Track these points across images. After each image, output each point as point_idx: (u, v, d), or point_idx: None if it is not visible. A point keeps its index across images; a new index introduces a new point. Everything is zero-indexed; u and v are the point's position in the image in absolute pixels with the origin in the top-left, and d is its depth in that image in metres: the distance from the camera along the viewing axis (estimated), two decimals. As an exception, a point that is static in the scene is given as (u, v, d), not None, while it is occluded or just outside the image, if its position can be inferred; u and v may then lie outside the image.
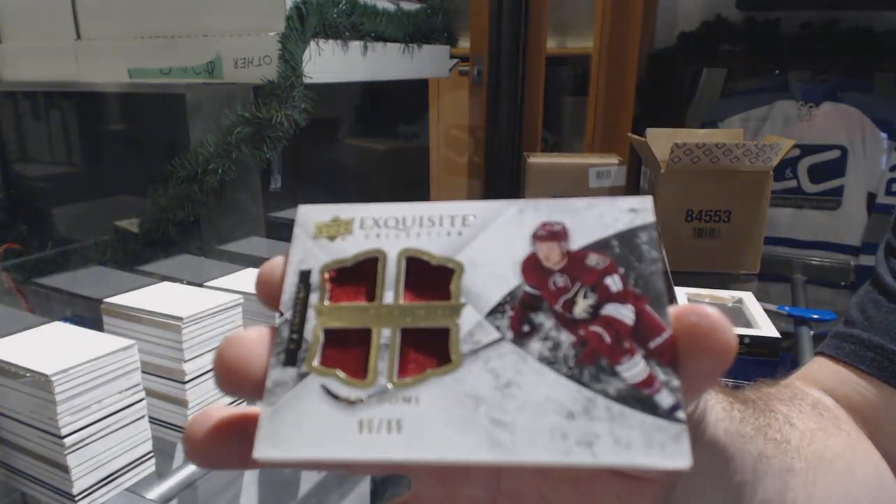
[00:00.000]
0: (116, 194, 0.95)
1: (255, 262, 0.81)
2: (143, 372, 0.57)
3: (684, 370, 0.17)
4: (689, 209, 1.10)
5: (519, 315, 0.18)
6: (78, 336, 0.58)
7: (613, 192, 1.19)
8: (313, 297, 0.20)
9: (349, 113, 1.15)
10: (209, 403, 0.64)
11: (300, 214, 0.21)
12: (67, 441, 0.51)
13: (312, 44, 0.80)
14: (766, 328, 0.82)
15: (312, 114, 0.79)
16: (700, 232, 1.11)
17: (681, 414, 0.17)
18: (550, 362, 0.18)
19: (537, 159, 1.20)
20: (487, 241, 0.19)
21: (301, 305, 0.20)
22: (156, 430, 0.60)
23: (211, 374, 0.63)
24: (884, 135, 1.34)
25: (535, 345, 0.18)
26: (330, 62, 0.85)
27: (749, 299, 0.91)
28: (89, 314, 0.65)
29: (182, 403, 0.62)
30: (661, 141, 1.11)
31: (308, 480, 0.90)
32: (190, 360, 0.61)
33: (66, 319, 0.61)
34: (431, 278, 0.19)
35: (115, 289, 0.66)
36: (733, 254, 1.11)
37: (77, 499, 0.53)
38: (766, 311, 0.87)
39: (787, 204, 1.41)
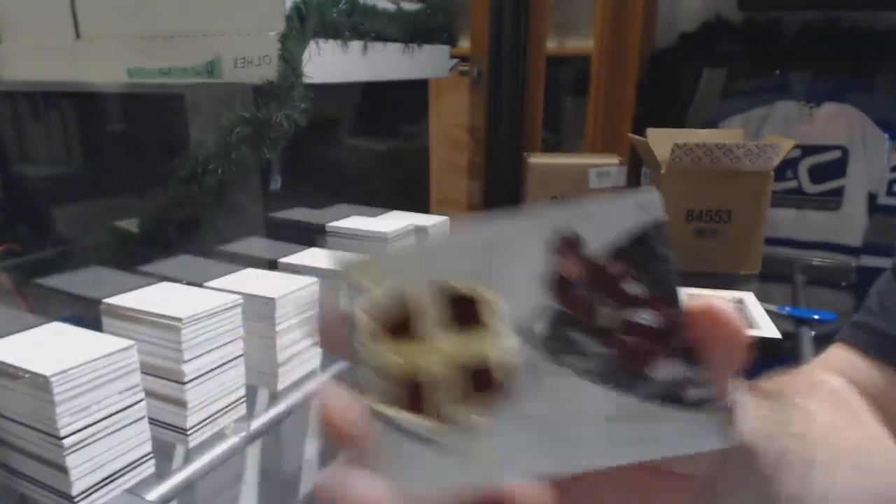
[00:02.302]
0: (116, 194, 0.95)
1: (254, 262, 0.80)
2: (142, 372, 0.57)
3: (706, 361, 0.19)
4: (689, 209, 1.10)
5: (552, 334, 0.19)
6: (77, 336, 0.57)
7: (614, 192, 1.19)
8: (367, 341, 0.20)
9: (349, 113, 1.15)
10: (208, 404, 0.64)
11: (334, 262, 0.22)
12: (67, 442, 0.51)
13: (312, 44, 0.80)
14: (767, 329, 0.82)
15: (312, 114, 0.79)
16: (701, 232, 1.11)
17: (713, 402, 0.18)
18: (589, 375, 0.19)
19: (538, 159, 1.20)
20: (509, 263, 0.20)
21: (359, 350, 0.20)
22: (155, 430, 0.60)
23: (210, 374, 0.63)
24: (885, 135, 1.34)
25: (572, 360, 0.19)
26: (330, 62, 0.85)
27: (750, 300, 0.91)
28: (88, 314, 0.64)
29: (181, 404, 0.61)
30: (661, 141, 1.11)
31: (307, 481, 0.90)
32: (189, 360, 0.61)
33: (64, 319, 0.61)
34: (465, 307, 0.20)
35: (114, 289, 0.65)
36: (734, 254, 1.11)
37: (76, 500, 0.53)
38: (767, 311, 0.87)
39: (788, 204, 1.41)
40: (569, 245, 0.20)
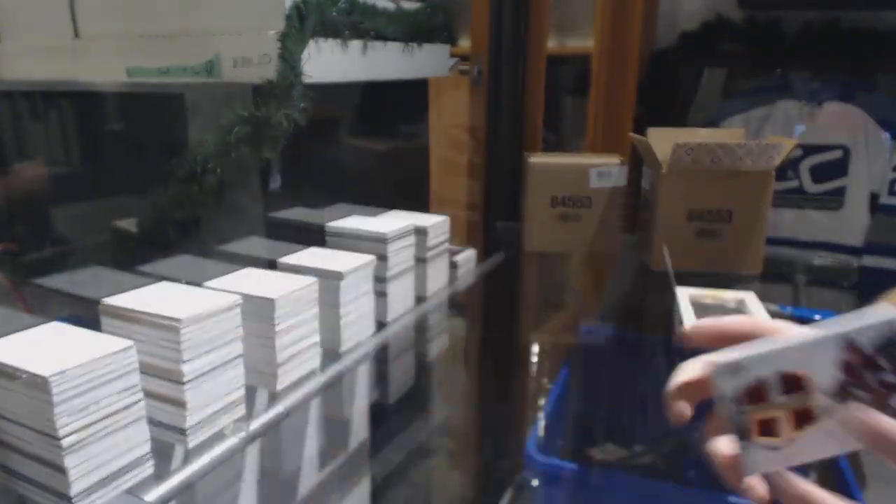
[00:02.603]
0: (115, 194, 0.95)
1: (254, 262, 0.80)
2: (141, 373, 0.57)
3: None
4: (690, 209, 1.10)
5: (839, 391, 0.37)
6: (76, 337, 0.57)
7: (615, 192, 1.19)
8: (735, 405, 0.39)
9: (349, 112, 1.15)
10: (207, 404, 0.63)
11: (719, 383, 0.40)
12: (65, 442, 0.51)
13: (312, 43, 0.80)
14: (768, 329, 0.81)
15: (312, 113, 0.79)
16: (702, 232, 1.10)
17: None
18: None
19: (538, 159, 1.20)
20: (815, 355, 0.37)
21: (731, 409, 0.40)
22: (154, 431, 0.60)
23: (209, 374, 0.63)
24: (887, 135, 1.33)
25: (850, 402, 0.37)
26: (329, 61, 0.85)
27: (751, 300, 0.90)
28: (87, 314, 0.64)
29: (180, 405, 0.61)
30: (662, 140, 1.11)
31: (307, 481, 0.90)
32: (188, 360, 0.61)
33: (63, 319, 0.60)
34: (791, 381, 0.38)
35: (113, 289, 0.65)
36: (735, 254, 1.11)
37: (75, 500, 0.53)
38: (769, 311, 0.87)
39: (789, 204, 1.41)
40: (852, 347, 0.36)
